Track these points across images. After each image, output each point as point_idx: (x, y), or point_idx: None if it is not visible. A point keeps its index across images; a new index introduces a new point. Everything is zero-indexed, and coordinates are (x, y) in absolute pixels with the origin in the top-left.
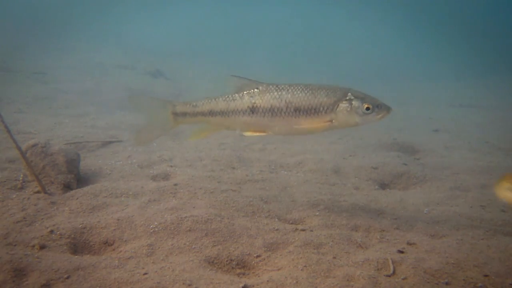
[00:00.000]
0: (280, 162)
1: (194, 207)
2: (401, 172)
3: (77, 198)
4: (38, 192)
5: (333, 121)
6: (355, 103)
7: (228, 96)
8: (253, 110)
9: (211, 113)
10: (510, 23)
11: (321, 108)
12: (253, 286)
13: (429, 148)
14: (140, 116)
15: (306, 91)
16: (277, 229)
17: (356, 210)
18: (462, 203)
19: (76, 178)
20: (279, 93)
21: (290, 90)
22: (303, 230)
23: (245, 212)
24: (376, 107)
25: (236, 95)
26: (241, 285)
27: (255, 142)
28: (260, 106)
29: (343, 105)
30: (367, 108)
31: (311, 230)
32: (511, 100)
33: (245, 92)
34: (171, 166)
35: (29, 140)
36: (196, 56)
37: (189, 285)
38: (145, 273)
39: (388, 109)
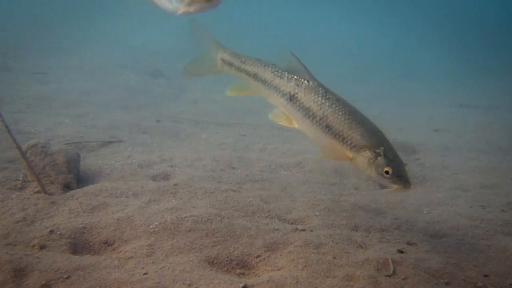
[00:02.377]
0: (280, 162)
1: (194, 207)
2: None
3: (77, 198)
4: (38, 192)
5: (354, 160)
6: (379, 160)
7: (277, 70)
8: (291, 98)
9: (255, 76)
10: (511, 23)
11: (349, 142)
12: (253, 286)
13: (429, 148)
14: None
15: (346, 116)
16: (277, 229)
17: (356, 210)
18: (462, 203)
19: (76, 178)
20: (322, 100)
21: (333, 105)
22: (303, 230)
23: (245, 212)
24: (397, 177)
25: (286, 74)
26: (241, 285)
27: (255, 142)
28: (299, 99)
29: (368, 154)
30: (386, 172)
31: (311, 230)
32: (510, 100)
33: (294, 77)
34: (171, 166)
35: (29, 140)
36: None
37: (189, 285)
38: (145, 273)
39: (406, 186)
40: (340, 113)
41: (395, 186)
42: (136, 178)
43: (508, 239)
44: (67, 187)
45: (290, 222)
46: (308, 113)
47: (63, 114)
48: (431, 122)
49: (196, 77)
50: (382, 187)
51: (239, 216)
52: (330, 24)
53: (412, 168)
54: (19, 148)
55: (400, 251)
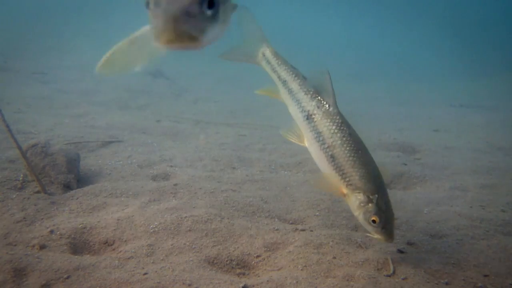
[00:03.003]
0: (280, 162)
1: (194, 207)
2: (401, 172)
3: (77, 198)
4: (38, 192)
5: (347, 197)
6: (370, 206)
7: (304, 85)
8: (308, 117)
9: (284, 83)
10: (511, 23)
11: (347, 179)
12: (253, 286)
13: (429, 148)
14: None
15: (353, 154)
16: (277, 229)
17: None
18: (462, 203)
19: (76, 178)
20: (336, 130)
21: (344, 137)
22: (303, 230)
23: (245, 212)
24: (381, 228)
25: (311, 91)
26: (241, 285)
27: (255, 142)
28: (315, 121)
29: (361, 197)
30: (373, 221)
31: (311, 230)
32: (511, 100)
33: (318, 97)
34: (171, 166)
35: (29, 140)
36: (196, 56)
37: (189, 285)
38: (145, 273)
39: (387, 239)
40: (348, 148)
41: (377, 235)
42: (136, 178)
43: (508, 239)
44: (67, 187)
45: (290, 222)
46: (319, 137)
47: (63, 114)
48: (431, 122)
49: (197, 77)
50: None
51: (239, 216)
52: (331, 24)
53: (412, 168)
54: (19, 148)
55: (400, 251)
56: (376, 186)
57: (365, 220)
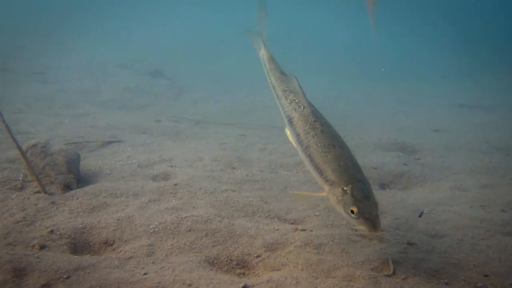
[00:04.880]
0: (280, 162)
1: (194, 207)
2: (401, 172)
3: (77, 198)
4: (38, 192)
5: (328, 196)
6: (345, 199)
7: (287, 90)
8: (289, 121)
9: (273, 88)
10: (511, 23)
11: (324, 176)
12: (253, 286)
13: (429, 148)
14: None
15: (325, 149)
16: (277, 229)
17: None
18: (462, 203)
19: (76, 178)
20: (309, 129)
21: (316, 135)
22: (303, 230)
23: (245, 212)
24: (362, 218)
25: (291, 95)
26: (241, 285)
27: (255, 142)
28: (294, 124)
29: (337, 191)
30: (352, 211)
31: (311, 230)
32: (511, 100)
33: (295, 100)
34: (171, 166)
35: (29, 140)
36: (196, 56)
37: (189, 285)
38: (145, 273)
39: (371, 229)
40: (320, 144)
41: (360, 226)
42: (136, 178)
43: (508, 239)
44: (67, 187)
45: (290, 222)
46: (298, 139)
47: (63, 114)
48: (431, 122)
49: (197, 77)
50: (383, 187)
51: (239, 216)
52: (331, 24)
53: (412, 168)
54: (19, 148)
55: (400, 251)
56: (350, 177)
57: (345, 213)
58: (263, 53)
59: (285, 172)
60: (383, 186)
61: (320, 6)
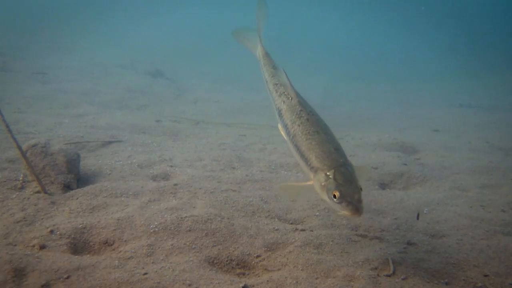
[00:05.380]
0: (280, 162)
1: (194, 207)
2: (401, 172)
3: (77, 198)
4: (38, 192)
5: (313, 184)
6: (328, 183)
7: (277, 84)
8: (279, 113)
9: (266, 83)
10: (510, 23)
11: (309, 163)
12: (253, 286)
13: (429, 148)
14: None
15: (309, 136)
16: (277, 229)
17: None
18: (462, 203)
19: (76, 178)
20: (295, 118)
21: (301, 124)
22: (303, 230)
23: (245, 212)
24: (345, 202)
25: (281, 88)
26: (241, 285)
27: (255, 142)
28: (282, 115)
29: (321, 176)
30: (334, 196)
31: (311, 230)
32: (511, 100)
33: (284, 92)
34: (171, 166)
35: (29, 140)
36: (196, 56)
37: (189, 285)
38: (145, 273)
39: (353, 213)
40: (304, 132)
41: (343, 212)
42: (136, 178)
43: (508, 239)
44: (67, 187)
45: (290, 222)
46: (286, 129)
47: (63, 114)
48: (431, 122)
49: (197, 77)
50: (383, 187)
51: (239, 216)
52: (332, 24)
53: (412, 168)
54: (19, 148)
55: (400, 251)
56: (333, 161)
57: (329, 198)
58: (259, 50)
59: (285, 172)
60: (383, 186)
61: (320, 6)
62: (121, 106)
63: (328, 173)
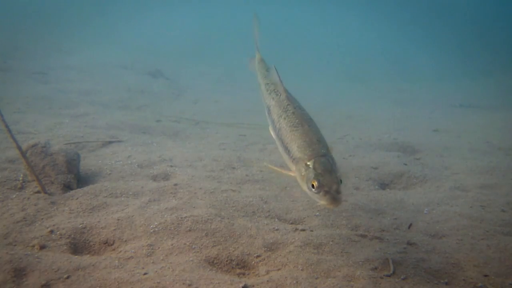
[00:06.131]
0: (281, 162)
1: (194, 207)
2: (401, 172)
3: (77, 198)
4: (38, 192)
5: (296, 175)
6: (308, 173)
7: (268, 83)
8: (268, 110)
9: (260, 85)
10: (510, 23)
11: (291, 154)
12: (253, 286)
13: (429, 148)
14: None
15: (293, 128)
16: (277, 229)
17: (356, 210)
18: (462, 203)
19: (76, 178)
20: (281, 113)
21: (287, 117)
22: (303, 230)
23: (245, 212)
24: (323, 192)
25: (271, 87)
26: (241, 285)
27: (255, 142)
28: (271, 111)
29: (301, 166)
30: (312, 186)
31: (311, 230)
32: (511, 100)
33: (274, 90)
34: (171, 166)
35: (29, 140)
36: (195, 56)
37: (189, 285)
38: (145, 273)
39: (331, 203)
40: (289, 124)
41: (322, 202)
42: (136, 178)
43: (508, 239)
44: (67, 187)
45: (290, 222)
46: (273, 125)
47: (63, 114)
48: (431, 122)
49: (197, 77)
50: (383, 187)
51: (239, 216)
52: (330, 24)
53: (412, 168)
54: (19, 148)
55: (400, 251)
56: (313, 151)
57: (308, 189)
58: (256, 57)
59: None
60: (383, 186)
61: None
62: (121, 106)
63: (308, 163)
